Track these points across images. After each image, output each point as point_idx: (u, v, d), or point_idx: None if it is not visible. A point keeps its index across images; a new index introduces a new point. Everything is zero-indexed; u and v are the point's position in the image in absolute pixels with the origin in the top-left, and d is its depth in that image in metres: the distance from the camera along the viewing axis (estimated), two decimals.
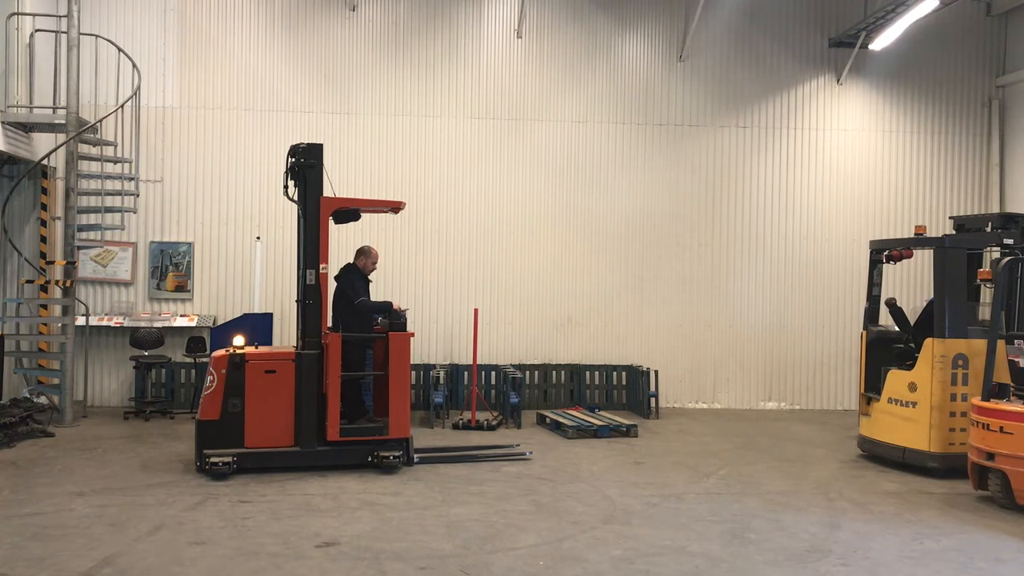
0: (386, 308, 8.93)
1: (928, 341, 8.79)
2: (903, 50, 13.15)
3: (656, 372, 12.08)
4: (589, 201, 12.82)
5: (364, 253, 9.28)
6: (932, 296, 9.09)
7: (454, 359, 12.39)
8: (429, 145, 12.55)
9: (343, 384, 8.41)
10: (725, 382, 13.06)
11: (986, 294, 10.03)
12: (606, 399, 12.59)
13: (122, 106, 10.77)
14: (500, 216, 12.67)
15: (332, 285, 8.90)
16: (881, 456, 9.23)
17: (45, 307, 11.30)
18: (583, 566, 5.86)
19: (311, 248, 8.42)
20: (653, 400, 11.97)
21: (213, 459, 7.98)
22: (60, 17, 10.79)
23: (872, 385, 9.59)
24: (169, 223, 12.14)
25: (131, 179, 11.07)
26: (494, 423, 10.85)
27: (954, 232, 10.10)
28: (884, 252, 9.74)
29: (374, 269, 9.36)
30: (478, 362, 11.37)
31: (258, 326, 10.97)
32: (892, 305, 9.48)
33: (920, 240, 9.36)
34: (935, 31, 13.23)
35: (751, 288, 13.11)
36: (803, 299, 13.20)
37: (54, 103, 10.86)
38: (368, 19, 12.52)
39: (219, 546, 6.11)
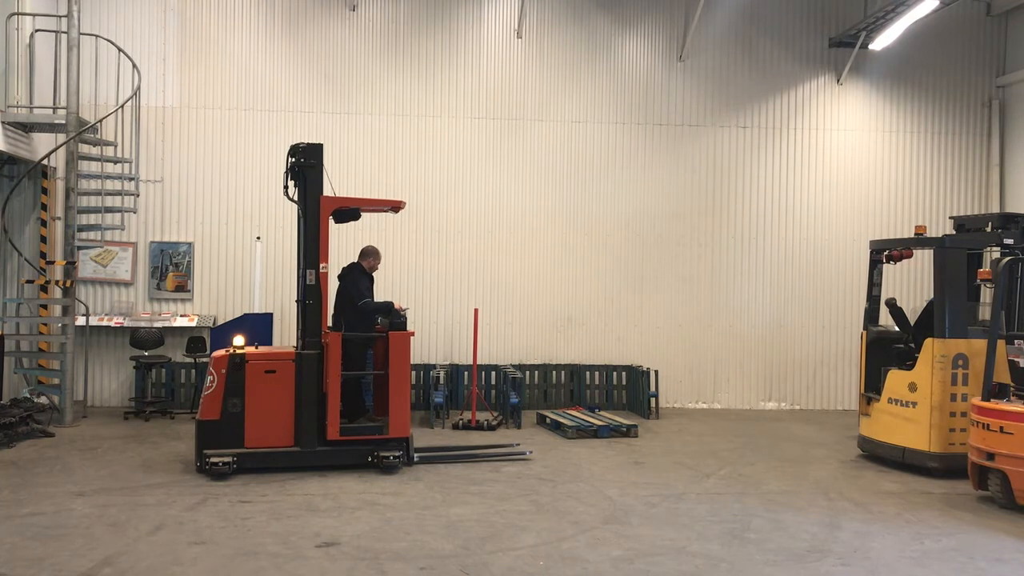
0: (388, 309, 8.93)
1: (928, 341, 8.79)
2: (903, 50, 13.15)
3: (656, 372, 12.08)
4: (589, 201, 12.82)
5: (371, 254, 9.32)
6: (932, 296, 9.09)
7: (454, 359, 12.39)
8: (429, 145, 12.55)
9: (343, 383, 8.42)
10: (725, 382, 13.06)
11: (986, 294, 10.02)
12: (606, 399, 12.58)
13: (122, 106, 10.78)
14: (500, 216, 12.67)
15: (333, 285, 8.91)
16: (881, 456, 9.23)
17: (45, 307, 11.30)
18: (583, 566, 5.86)
19: (311, 248, 8.42)
20: (653, 400, 11.97)
21: (213, 459, 7.98)
22: (60, 17, 10.79)
23: (872, 385, 9.59)
24: (169, 223, 12.14)
25: (131, 179, 11.08)
26: (494, 423, 10.86)
27: (954, 232, 10.09)
28: (884, 252, 9.74)
29: (376, 269, 9.39)
30: (478, 362, 11.37)
31: (258, 326, 10.97)
32: (892, 305, 9.48)
33: (920, 240, 9.36)
34: (935, 31, 13.23)
35: (751, 288, 13.11)
36: (803, 299, 13.20)
37: (54, 103, 10.86)
38: (368, 19, 12.52)
39: (219, 546, 6.11)
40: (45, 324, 11.20)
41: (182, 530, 6.44)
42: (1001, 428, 7.45)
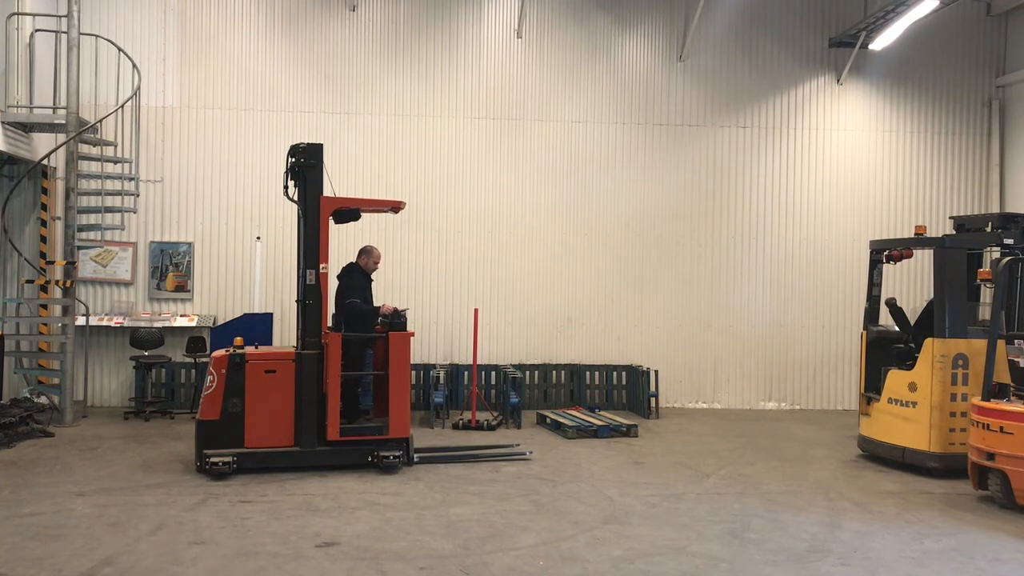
0: (372, 312, 8.90)
1: (928, 341, 8.80)
2: (903, 50, 13.15)
3: (656, 372, 12.07)
4: (589, 201, 12.83)
5: (366, 252, 9.33)
6: (932, 296, 9.09)
7: (454, 359, 12.39)
8: (429, 145, 12.55)
9: (341, 384, 8.41)
10: (725, 382, 13.06)
11: (986, 294, 10.03)
12: (606, 399, 12.58)
13: (122, 106, 10.78)
14: (500, 216, 12.67)
15: (333, 285, 8.91)
16: (881, 456, 9.23)
17: (45, 307, 11.30)
18: (583, 566, 5.86)
19: (311, 248, 8.42)
20: (653, 400, 11.97)
21: (213, 459, 7.98)
22: (60, 17, 10.79)
23: (872, 385, 9.59)
24: (169, 223, 12.14)
25: (131, 179, 11.08)
26: (494, 423, 10.85)
27: (954, 232, 10.10)
28: (884, 252, 9.74)
29: (376, 268, 9.39)
30: (478, 362, 11.37)
31: (258, 326, 10.97)
32: (892, 305, 9.48)
33: (920, 240, 9.36)
34: (935, 31, 13.23)
35: (751, 288, 13.11)
36: (803, 299, 13.20)
37: (54, 103, 10.86)
38: (368, 19, 12.52)
39: (219, 546, 6.11)
40: (45, 324, 11.20)
41: (182, 530, 6.44)
42: (1001, 428, 7.45)
